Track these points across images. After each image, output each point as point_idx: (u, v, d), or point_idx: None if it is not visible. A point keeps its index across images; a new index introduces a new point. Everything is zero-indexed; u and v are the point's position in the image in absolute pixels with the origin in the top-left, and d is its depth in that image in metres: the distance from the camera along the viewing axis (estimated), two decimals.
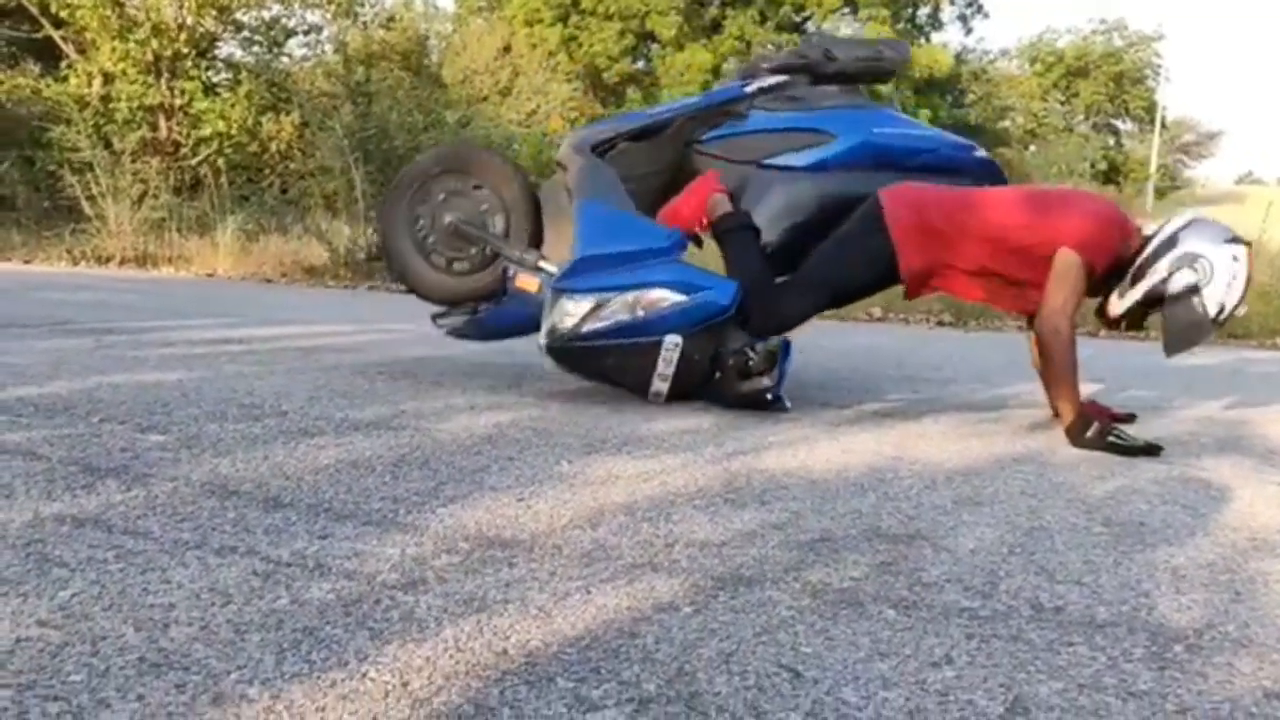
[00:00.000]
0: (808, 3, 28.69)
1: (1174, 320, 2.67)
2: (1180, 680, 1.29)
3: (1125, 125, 41.74)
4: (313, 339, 4.23)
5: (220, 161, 11.81)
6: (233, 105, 12.82)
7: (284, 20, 15.00)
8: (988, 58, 36.91)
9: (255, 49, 14.86)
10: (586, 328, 2.91)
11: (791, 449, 2.51)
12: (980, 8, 31.02)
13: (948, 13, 30.97)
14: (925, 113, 27.08)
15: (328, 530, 1.70)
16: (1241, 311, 2.68)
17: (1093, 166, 27.31)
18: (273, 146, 13.20)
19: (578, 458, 2.32)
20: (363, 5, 15.81)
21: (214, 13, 13.57)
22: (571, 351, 2.95)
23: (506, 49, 26.56)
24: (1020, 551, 1.78)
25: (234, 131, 12.53)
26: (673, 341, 2.87)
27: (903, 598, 1.53)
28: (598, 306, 2.90)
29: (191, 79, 12.83)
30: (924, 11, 30.26)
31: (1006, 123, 35.58)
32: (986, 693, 1.23)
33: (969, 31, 33.64)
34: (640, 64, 30.27)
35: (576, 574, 1.58)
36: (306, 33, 15.35)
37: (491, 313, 3.24)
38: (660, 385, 2.94)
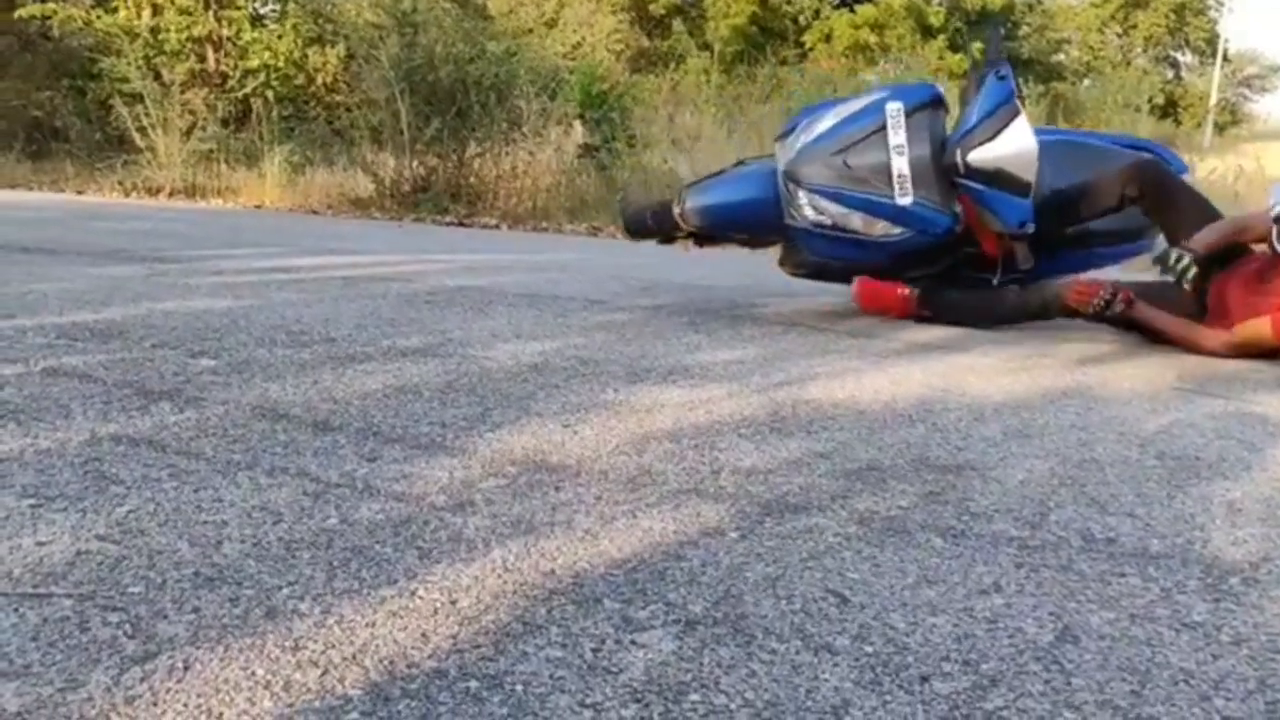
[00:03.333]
0: None
1: None
2: (1235, 612, 1.27)
3: (1185, 58, 40.34)
4: (359, 268, 4.25)
5: (268, 93, 11.82)
6: (279, 37, 12.77)
7: None
8: None
9: None
10: None
11: (839, 380, 2.49)
12: None
13: None
14: (977, 45, 26.40)
15: (376, 453, 1.72)
16: None
17: (1150, 101, 26.52)
18: (319, 79, 13.16)
19: (623, 386, 2.32)
20: None
21: None
22: None
23: None
24: (1070, 483, 1.75)
25: (281, 63, 12.51)
26: None
27: (950, 526, 1.52)
28: None
29: (239, 9, 12.79)
30: None
31: (1061, 56, 34.54)
32: (1036, 621, 1.22)
33: None
34: None
35: (622, 499, 1.58)
36: None
37: None
38: None
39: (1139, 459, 1.92)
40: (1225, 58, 37.94)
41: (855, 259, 3.28)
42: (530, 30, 19.96)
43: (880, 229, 3.13)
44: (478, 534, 1.39)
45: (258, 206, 8.76)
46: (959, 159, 3.04)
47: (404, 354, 2.52)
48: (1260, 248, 3.04)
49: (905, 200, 3.07)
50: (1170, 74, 39.19)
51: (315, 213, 8.23)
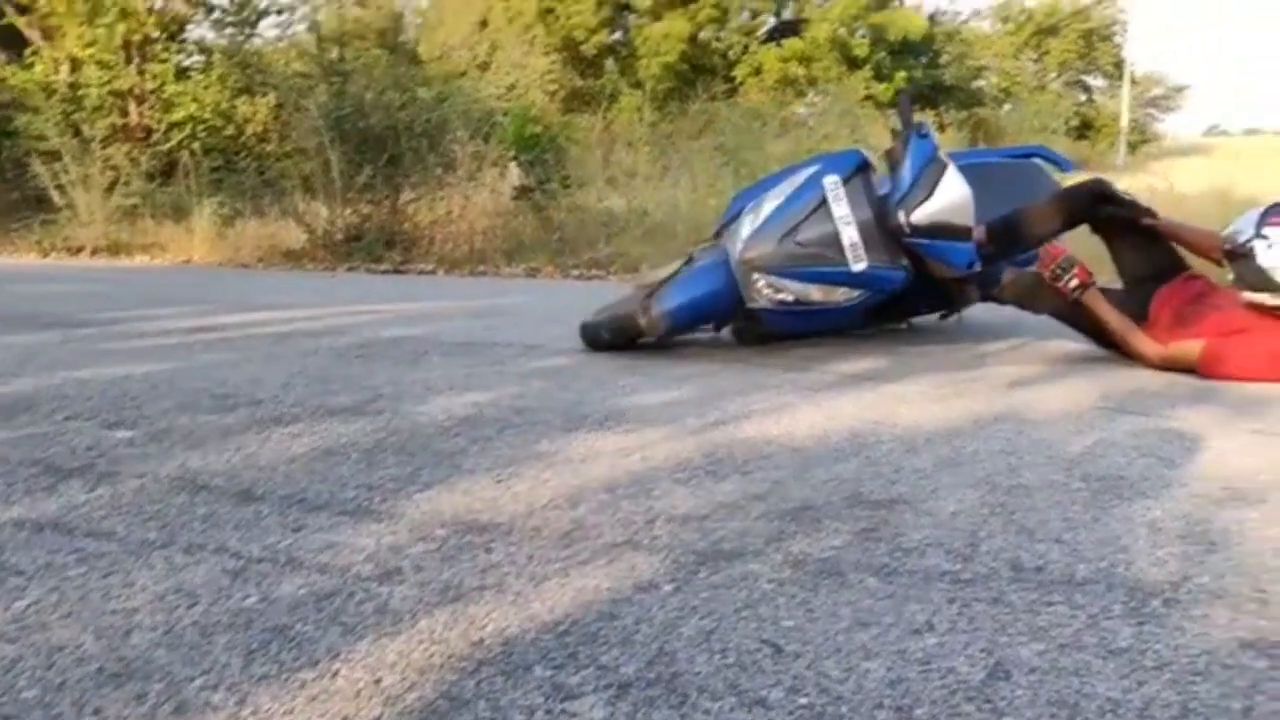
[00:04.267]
0: None
1: None
2: (1158, 635, 1.28)
3: (1096, 81, 41.51)
4: (290, 323, 4.19)
5: (195, 146, 11.67)
6: (205, 88, 12.65)
7: (256, 1, 14.79)
8: (960, 19, 36.63)
9: (228, 30, 14.66)
10: None
11: (774, 416, 2.49)
12: None
13: None
14: (901, 75, 26.92)
15: (301, 522, 1.68)
16: None
17: (1066, 123, 27.21)
18: (248, 129, 13.04)
19: (558, 435, 2.30)
20: None
21: None
22: None
23: (484, 23, 26.27)
24: (1000, 511, 1.77)
25: (208, 115, 12.37)
26: None
27: (884, 564, 1.52)
28: None
29: (162, 62, 12.65)
30: None
31: (981, 82, 35.29)
32: (968, 659, 1.22)
33: None
34: (618, 35, 29.97)
35: (555, 556, 1.56)
36: (279, 13, 15.14)
37: None
38: None
39: (1065, 482, 1.95)
40: (1132, 80, 39.12)
41: (820, 325, 3.45)
42: (463, 73, 19.99)
43: (840, 295, 3.27)
44: (404, 604, 1.37)
45: (186, 262, 8.62)
46: (903, 221, 3.18)
47: (333, 413, 2.48)
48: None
49: (860, 266, 3.20)
50: (1083, 97, 40.31)
51: (246, 266, 8.11)
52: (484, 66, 21.72)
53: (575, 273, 7.10)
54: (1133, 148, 34.35)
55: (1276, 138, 46.29)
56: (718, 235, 3.54)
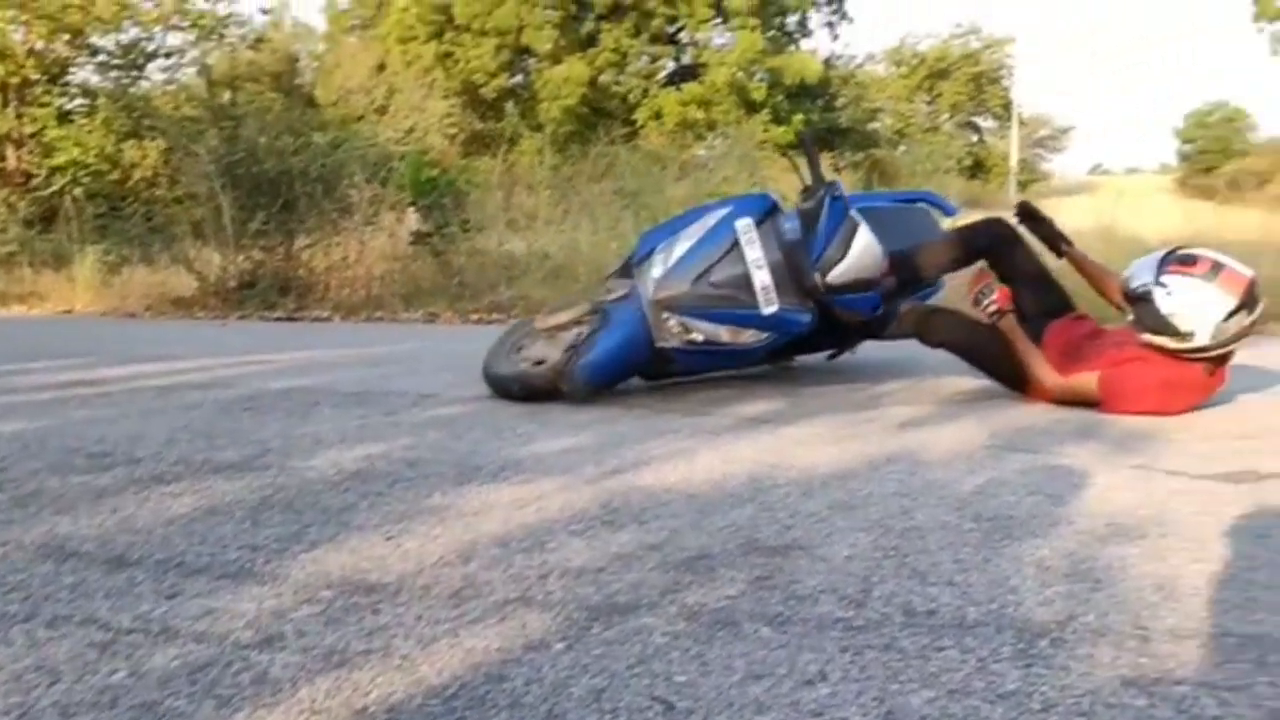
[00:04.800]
0: (680, 15, 28.91)
1: None
2: (1045, 676, 1.30)
3: (986, 123, 43.23)
4: (176, 375, 4.04)
5: (77, 191, 11.29)
6: (89, 132, 12.29)
7: (143, 43, 14.47)
8: (854, 62, 37.76)
9: (113, 73, 14.29)
10: None
11: (672, 462, 2.49)
12: (845, 14, 31.66)
13: (815, 20, 31.56)
14: (799, 118, 27.57)
15: (177, 588, 1.61)
16: None
17: (959, 163, 28.23)
18: (136, 174, 12.69)
19: (451, 488, 2.25)
20: (228, 27, 15.35)
21: (66, 37, 13.00)
22: None
23: (381, 67, 26.10)
24: (894, 555, 1.78)
25: (92, 159, 12.01)
26: None
27: (778, 613, 1.52)
28: None
29: (43, 106, 12.25)
30: (792, 20, 30.74)
31: (876, 124, 36.39)
32: (860, 708, 1.22)
33: (835, 38, 34.42)
34: (518, 78, 30.07)
35: (445, 616, 1.52)
36: (168, 56, 14.83)
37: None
38: None
39: (957, 523, 1.98)
40: (1020, 121, 40.84)
41: (725, 365, 3.51)
42: (361, 117, 19.81)
43: (748, 336, 3.33)
44: (285, 672, 1.31)
45: (67, 312, 8.29)
46: (820, 282, 3.28)
47: (216, 470, 2.39)
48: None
49: (771, 309, 3.26)
50: (974, 137, 41.90)
51: (133, 315, 7.83)
52: (382, 110, 21.57)
53: (475, 317, 7.03)
54: (1023, 186, 35.74)
55: (1154, 177, 48.86)
56: (622, 273, 3.55)
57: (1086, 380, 3.09)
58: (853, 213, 3.33)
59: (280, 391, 3.59)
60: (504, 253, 7.92)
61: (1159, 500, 2.12)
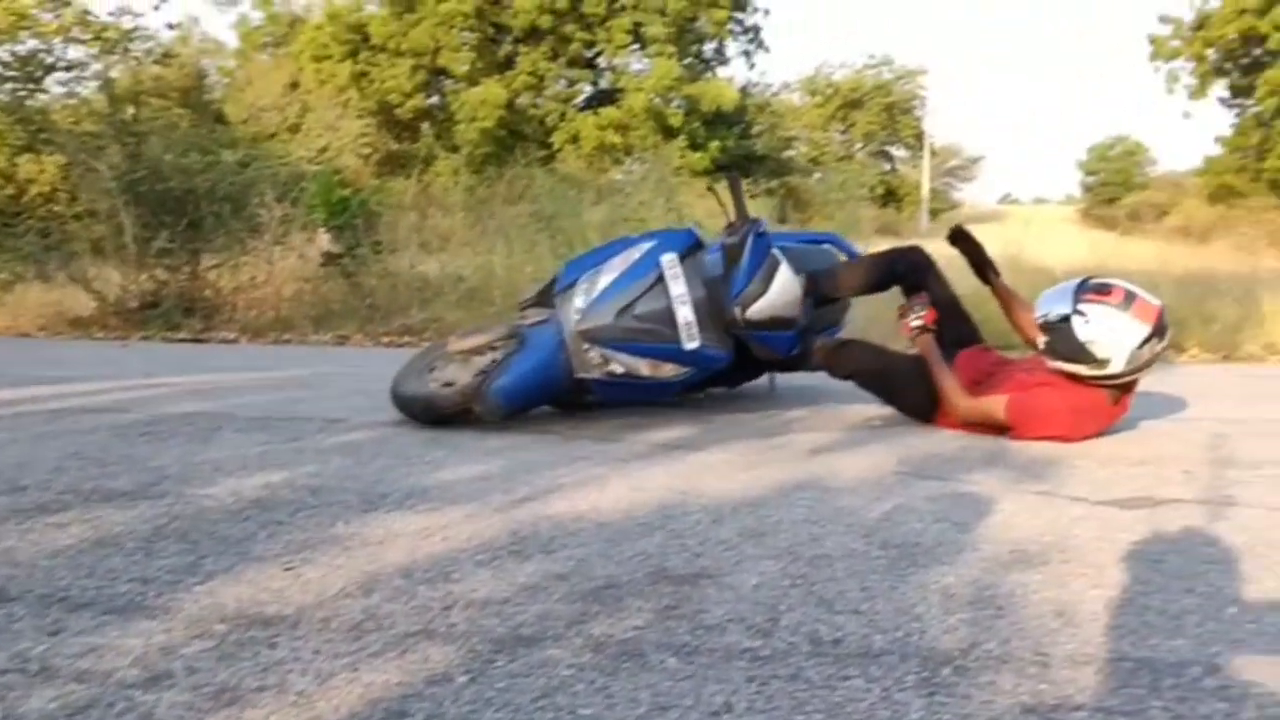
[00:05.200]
0: (598, 39, 29.09)
1: None
2: (947, 704, 1.31)
3: (899, 152, 44.36)
4: (69, 398, 3.89)
5: None
6: None
7: (41, 55, 14.01)
8: (770, 91, 38.41)
9: (8, 85, 13.80)
10: None
11: (581, 490, 2.46)
12: (761, 43, 32.19)
13: (732, 48, 32.05)
14: (715, 144, 27.89)
15: (60, 624, 1.53)
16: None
17: (872, 191, 28.84)
18: (32, 189, 12.25)
19: (355, 517, 2.20)
20: (133, 41, 14.95)
21: None
22: None
23: (295, 85, 25.69)
24: (801, 583, 1.79)
25: None
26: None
27: (685, 643, 1.51)
28: None
29: None
30: (709, 47, 31.18)
31: (791, 152, 37.04)
32: None
33: (752, 66, 34.99)
34: (434, 99, 29.88)
35: (344, 650, 1.48)
36: (68, 68, 14.37)
37: None
38: None
39: (865, 550, 1.99)
40: (932, 151, 42.00)
41: (643, 397, 3.49)
42: (273, 135, 19.48)
43: (668, 370, 3.35)
44: (171, 713, 1.26)
45: None
46: (739, 316, 3.32)
47: (107, 499, 2.30)
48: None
49: (692, 345, 3.29)
50: (887, 166, 42.94)
51: (27, 335, 7.53)
52: (295, 129, 21.25)
53: (386, 340, 6.93)
54: (934, 215, 36.70)
55: (1060, 207, 50.63)
56: (538, 302, 3.52)
57: (995, 403, 3.15)
58: (775, 251, 3.39)
59: (180, 416, 3.48)
60: (417, 275, 7.83)
61: (1061, 527, 2.17)
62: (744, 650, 1.48)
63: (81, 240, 8.31)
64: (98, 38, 14.15)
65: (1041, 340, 3.13)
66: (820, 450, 3.01)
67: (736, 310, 3.31)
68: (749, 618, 1.61)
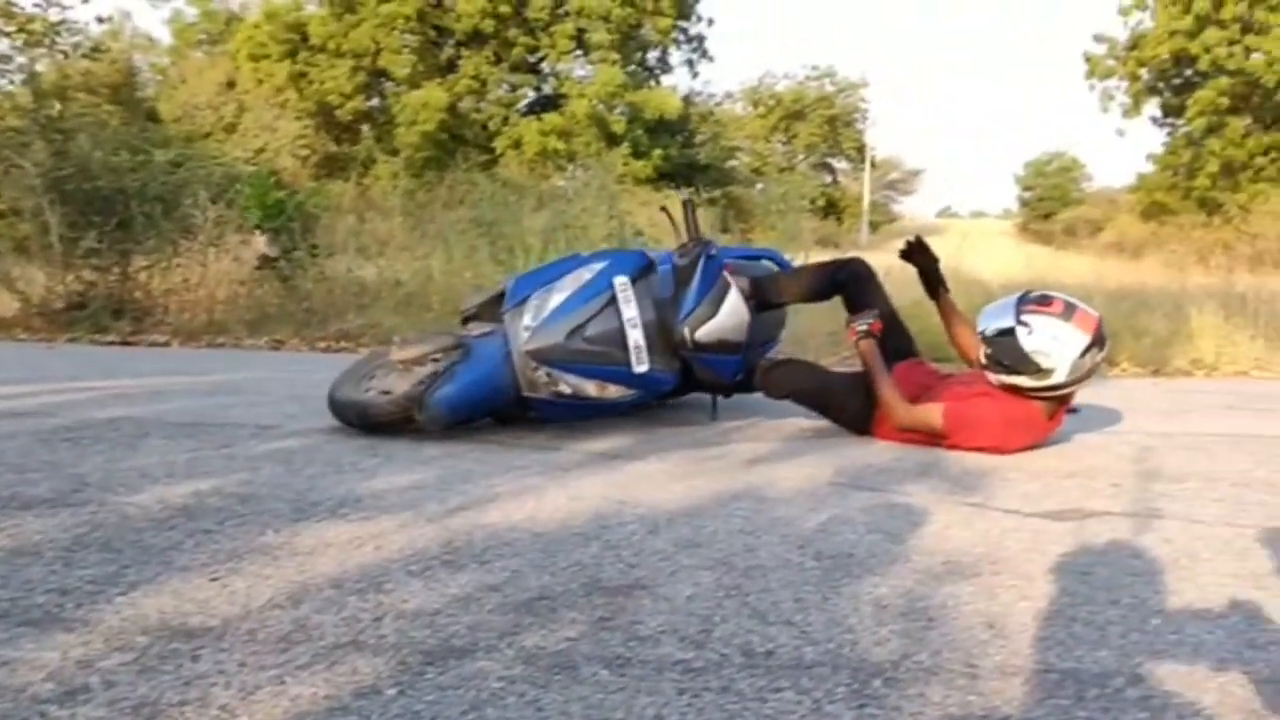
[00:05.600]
0: (541, 45, 29.07)
1: None
2: (877, 716, 1.32)
3: (840, 164, 44.99)
4: None
5: None
6: None
7: None
8: (713, 100, 38.71)
9: None
10: None
11: (517, 500, 2.45)
12: (705, 52, 32.45)
13: (676, 57, 32.27)
14: (658, 152, 28.01)
15: None
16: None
17: (813, 203, 29.14)
18: None
19: (285, 526, 2.16)
20: (60, 34, 14.56)
21: None
22: None
23: (231, 84, 25.30)
24: (736, 594, 1.79)
25: None
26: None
27: (617, 655, 1.50)
28: None
29: None
30: (653, 55, 31.34)
31: (734, 162, 37.34)
32: None
33: (695, 75, 35.20)
34: (375, 102, 29.60)
35: (270, 662, 1.45)
36: None
37: None
38: None
39: (799, 561, 2.00)
40: (873, 164, 42.65)
41: (588, 416, 3.46)
42: (208, 135, 19.14)
43: (614, 391, 3.33)
44: None
45: None
46: (687, 337, 3.33)
47: (26, 506, 2.23)
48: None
49: (642, 368, 3.28)
50: (829, 178, 43.49)
51: None
52: (231, 129, 20.91)
53: (323, 345, 6.83)
54: (874, 227, 37.21)
55: (997, 221, 51.70)
56: (480, 315, 3.50)
57: (933, 411, 3.20)
58: (726, 275, 3.40)
59: (106, 421, 3.39)
60: (354, 279, 7.74)
61: (993, 538, 2.20)
62: (677, 662, 1.48)
63: (4, 239, 8.08)
64: (22, 30, 13.74)
65: (984, 354, 3.18)
66: (758, 460, 3.03)
67: (685, 331, 3.32)
68: (682, 629, 1.61)
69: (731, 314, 3.37)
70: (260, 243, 8.15)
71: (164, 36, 32.02)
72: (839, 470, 2.89)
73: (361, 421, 3.24)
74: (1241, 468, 3.04)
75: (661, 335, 3.34)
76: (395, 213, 10.69)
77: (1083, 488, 2.72)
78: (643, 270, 3.41)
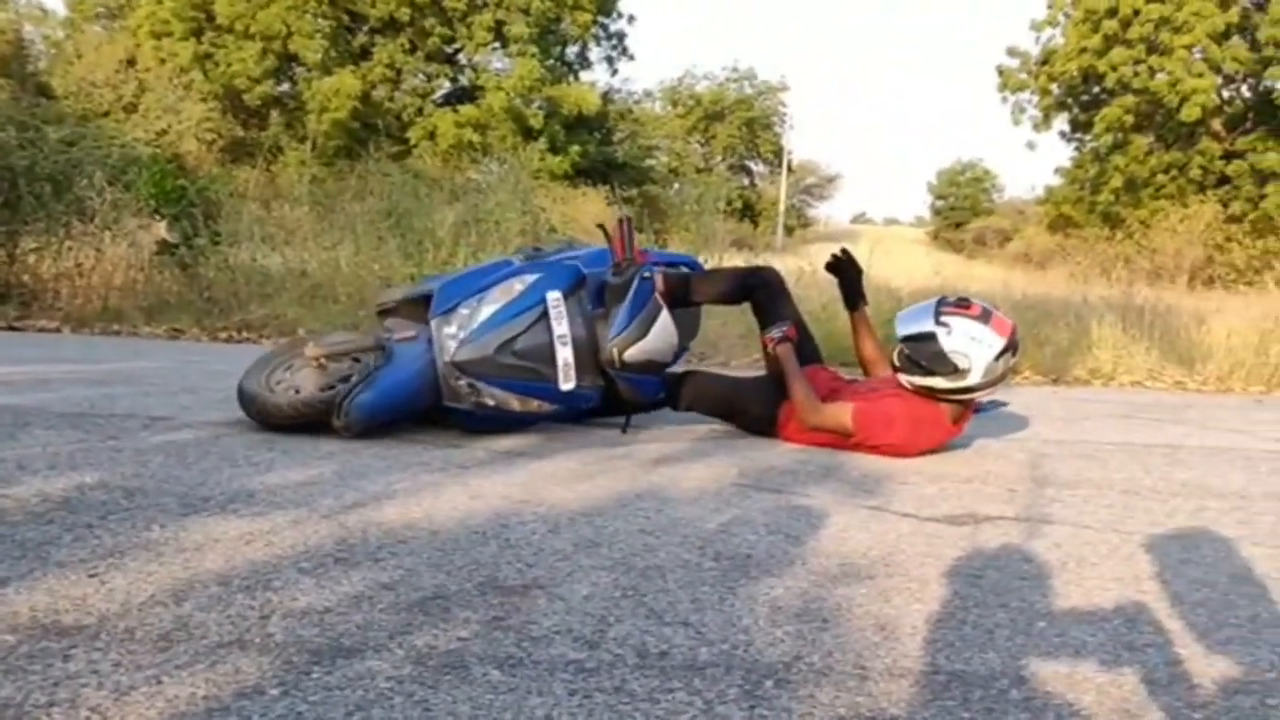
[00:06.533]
0: (458, 35, 28.72)
1: None
2: (767, 717, 1.33)
3: (758, 167, 45.43)
4: None
5: None
6: None
7: None
8: (633, 98, 38.73)
9: None
10: None
11: (416, 497, 2.41)
12: (625, 50, 32.43)
13: (595, 53, 32.16)
14: (575, 149, 27.90)
15: None
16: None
17: (729, 205, 29.37)
18: None
19: (172, 521, 2.09)
20: None
21: None
22: None
23: (132, 62, 24.42)
24: (633, 594, 1.79)
25: None
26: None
27: (510, 655, 1.48)
28: None
29: None
30: (572, 50, 31.20)
31: (652, 161, 37.39)
32: None
33: (614, 72, 35.15)
34: (285, 86, 28.87)
35: (148, 662, 1.40)
36: None
37: None
38: None
39: (698, 561, 2.01)
40: (790, 168, 43.17)
41: (508, 425, 3.38)
42: (106, 114, 18.47)
43: (536, 405, 3.31)
44: None
45: None
46: (616, 357, 3.30)
47: None
48: None
49: (569, 386, 3.27)
50: (746, 181, 43.88)
51: None
52: (131, 109, 20.19)
53: (224, 335, 6.66)
54: (790, 231, 37.65)
55: (910, 228, 52.83)
56: (398, 311, 3.44)
57: (843, 410, 3.26)
58: (657, 297, 3.40)
59: None
60: (258, 269, 7.54)
61: (889, 541, 2.23)
62: (569, 662, 1.47)
63: None
64: None
65: (900, 356, 3.24)
66: (663, 460, 3.03)
67: (614, 351, 3.30)
68: (577, 629, 1.60)
69: (661, 336, 3.38)
70: (160, 228, 7.89)
71: (59, 7, 30.77)
72: (743, 471, 2.91)
73: (263, 419, 3.15)
74: (1131, 475, 3.15)
75: (590, 353, 3.33)
76: (303, 201, 10.45)
77: (979, 493, 2.78)
78: (576, 284, 3.39)
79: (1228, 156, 27.68)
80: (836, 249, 3.89)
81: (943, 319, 3.17)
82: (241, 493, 2.35)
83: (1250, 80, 27.98)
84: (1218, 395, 6.02)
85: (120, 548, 1.89)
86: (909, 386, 3.24)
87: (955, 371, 3.15)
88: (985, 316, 3.19)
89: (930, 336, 3.16)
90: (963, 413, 3.31)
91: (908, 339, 3.22)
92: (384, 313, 3.55)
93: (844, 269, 3.74)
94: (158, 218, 7.68)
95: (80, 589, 1.67)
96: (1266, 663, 1.61)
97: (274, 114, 28.17)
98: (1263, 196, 26.07)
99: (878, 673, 1.50)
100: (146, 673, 1.37)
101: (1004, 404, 3.48)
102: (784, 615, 1.72)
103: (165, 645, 1.46)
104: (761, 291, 3.65)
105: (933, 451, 3.27)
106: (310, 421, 3.10)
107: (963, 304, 3.23)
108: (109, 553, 1.86)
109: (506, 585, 1.80)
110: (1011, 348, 3.19)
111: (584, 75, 31.63)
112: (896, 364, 3.27)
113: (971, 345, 3.13)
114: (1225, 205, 26.45)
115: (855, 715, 1.35)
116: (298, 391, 3.17)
